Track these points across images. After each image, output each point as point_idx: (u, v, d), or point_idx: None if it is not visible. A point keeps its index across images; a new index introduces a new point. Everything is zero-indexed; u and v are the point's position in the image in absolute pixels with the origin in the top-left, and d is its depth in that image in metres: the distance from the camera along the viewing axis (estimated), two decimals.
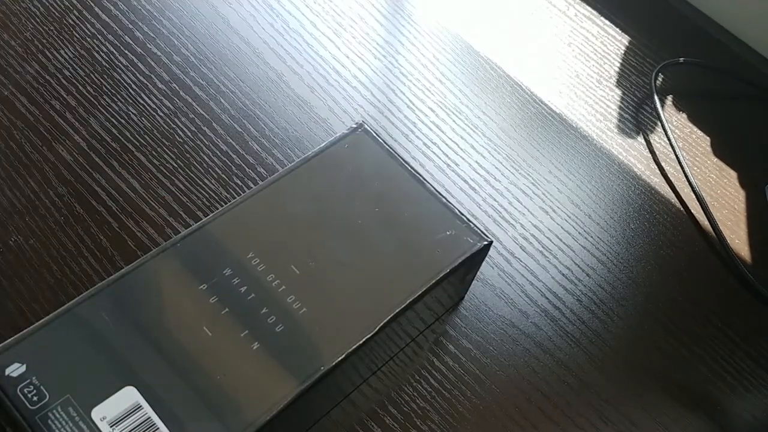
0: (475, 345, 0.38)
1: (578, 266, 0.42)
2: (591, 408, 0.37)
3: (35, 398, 0.24)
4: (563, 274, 0.41)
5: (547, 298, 0.40)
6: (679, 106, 0.51)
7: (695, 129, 0.50)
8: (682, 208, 0.46)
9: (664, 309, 0.41)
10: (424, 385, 0.36)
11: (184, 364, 0.26)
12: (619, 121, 0.49)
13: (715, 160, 0.49)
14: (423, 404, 0.35)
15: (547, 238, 0.42)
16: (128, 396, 0.25)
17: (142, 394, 0.25)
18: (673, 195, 0.46)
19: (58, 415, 0.24)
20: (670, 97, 0.52)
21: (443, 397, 0.35)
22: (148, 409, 0.25)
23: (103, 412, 0.24)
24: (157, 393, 0.25)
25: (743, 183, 0.48)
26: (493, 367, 0.37)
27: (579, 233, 0.43)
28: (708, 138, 0.50)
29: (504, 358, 0.37)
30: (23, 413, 0.24)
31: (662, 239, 0.44)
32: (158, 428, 0.24)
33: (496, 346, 0.38)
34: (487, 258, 0.41)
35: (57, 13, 0.46)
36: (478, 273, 0.40)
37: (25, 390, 0.24)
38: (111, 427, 0.24)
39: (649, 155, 0.48)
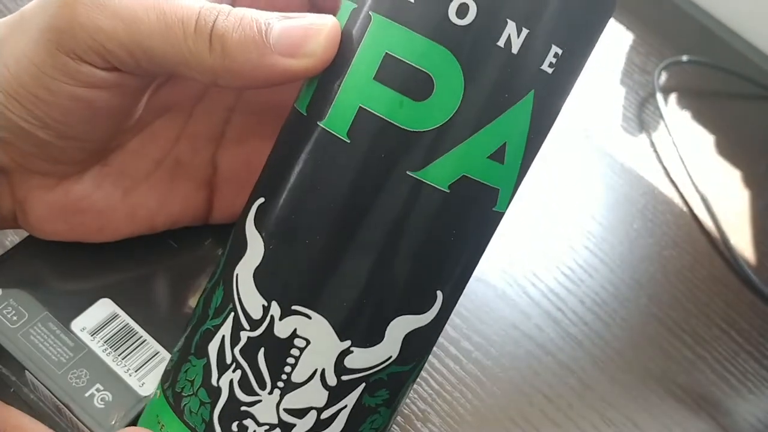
0: (476, 346, 0.37)
1: (580, 267, 0.41)
2: (593, 410, 0.36)
3: (15, 318, 0.25)
4: (565, 275, 0.41)
5: (549, 300, 0.40)
6: (682, 104, 0.51)
7: (698, 127, 0.50)
8: (685, 208, 0.45)
9: (667, 310, 0.41)
10: (425, 387, 0.35)
11: (153, 273, 0.27)
12: (622, 119, 0.49)
13: (719, 159, 0.48)
14: (423, 406, 0.35)
15: (549, 239, 0.42)
16: (105, 307, 0.26)
17: (117, 304, 0.26)
18: (676, 194, 0.46)
19: (39, 331, 0.25)
20: (673, 96, 0.51)
21: (444, 399, 0.35)
22: (125, 317, 0.26)
23: (82, 324, 0.25)
24: (131, 302, 0.26)
25: (747, 182, 0.48)
26: (494, 369, 0.37)
27: (581, 234, 0.43)
28: (711, 136, 0.50)
29: (505, 359, 0.37)
30: (5, 332, 0.25)
31: (665, 239, 0.44)
32: (137, 332, 0.26)
33: (498, 347, 0.37)
34: (488, 259, 0.40)
35: None
36: (479, 273, 0.40)
37: (5, 311, 0.25)
38: (92, 336, 0.25)
39: (652, 154, 0.48)
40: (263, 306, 0.20)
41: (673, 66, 0.52)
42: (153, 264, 0.28)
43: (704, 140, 0.49)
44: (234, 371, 0.20)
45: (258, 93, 0.27)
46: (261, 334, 0.20)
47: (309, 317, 0.20)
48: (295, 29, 0.20)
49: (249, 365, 0.20)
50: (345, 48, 0.20)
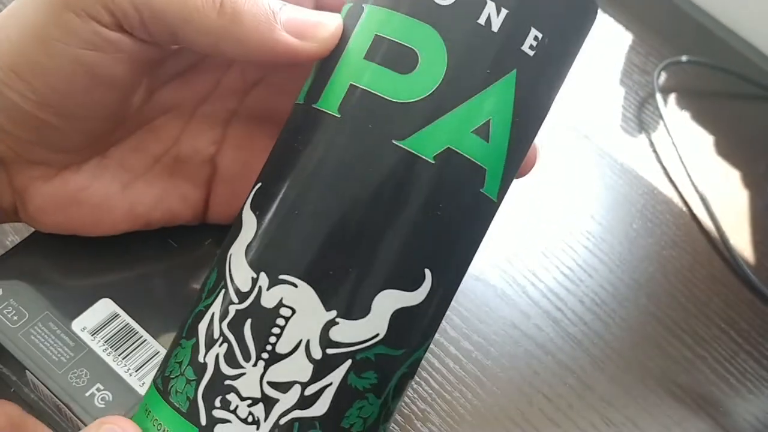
0: (476, 346, 0.37)
1: (580, 267, 0.41)
2: (593, 410, 0.36)
3: (15, 318, 0.25)
4: (565, 275, 0.41)
5: (548, 299, 0.40)
6: (681, 104, 0.51)
7: (698, 128, 0.50)
8: (684, 208, 0.45)
9: (667, 310, 0.41)
10: (425, 387, 0.35)
11: (153, 273, 0.27)
12: (622, 119, 0.49)
13: (718, 159, 0.49)
14: (423, 406, 0.35)
15: (549, 238, 0.42)
16: (105, 307, 0.26)
17: (117, 304, 0.26)
18: (675, 194, 0.46)
19: (40, 331, 0.25)
20: (672, 96, 0.51)
21: (444, 399, 0.35)
22: (125, 317, 0.26)
23: (82, 323, 0.25)
24: (132, 302, 0.26)
25: (747, 183, 0.48)
26: (494, 369, 0.37)
27: (580, 233, 0.43)
28: (711, 137, 0.50)
29: (505, 359, 0.37)
30: (5, 332, 0.25)
31: (665, 239, 0.44)
32: (137, 332, 0.26)
33: (498, 347, 0.37)
34: (487, 259, 0.41)
35: None
36: (479, 273, 0.40)
37: (5, 311, 0.25)
38: (92, 335, 0.25)
39: (652, 154, 0.48)
40: (252, 278, 0.21)
41: (672, 66, 0.53)
42: (153, 264, 0.28)
43: (704, 140, 0.49)
44: (220, 345, 0.20)
45: (261, 98, 0.27)
46: (248, 305, 0.20)
47: (295, 285, 0.20)
48: (306, 15, 0.21)
49: (235, 337, 0.20)
50: (342, 38, 0.22)
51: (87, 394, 0.24)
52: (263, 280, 0.20)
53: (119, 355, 0.25)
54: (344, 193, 0.20)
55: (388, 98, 0.20)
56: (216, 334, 0.21)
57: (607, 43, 0.53)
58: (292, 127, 0.22)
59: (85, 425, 0.24)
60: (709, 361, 0.39)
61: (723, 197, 0.47)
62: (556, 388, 0.37)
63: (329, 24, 0.21)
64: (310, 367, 0.20)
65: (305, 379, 0.20)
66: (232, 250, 0.21)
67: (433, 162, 0.20)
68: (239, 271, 0.21)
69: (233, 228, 0.22)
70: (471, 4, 0.20)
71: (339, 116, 0.21)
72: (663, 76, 0.52)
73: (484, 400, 0.36)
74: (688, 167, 0.45)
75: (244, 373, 0.20)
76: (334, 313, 0.20)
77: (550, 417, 0.36)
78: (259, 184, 0.22)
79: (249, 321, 0.20)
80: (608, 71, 0.51)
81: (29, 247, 0.27)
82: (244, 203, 0.22)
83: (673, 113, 0.50)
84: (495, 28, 0.20)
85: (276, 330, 0.20)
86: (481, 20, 0.20)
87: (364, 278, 0.20)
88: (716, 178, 0.48)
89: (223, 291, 0.21)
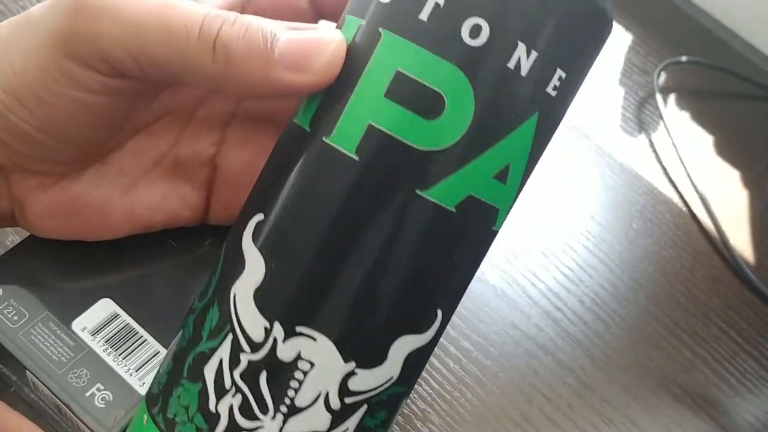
0: (476, 346, 0.37)
1: (580, 267, 0.41)
2: (593, 410, 0.36)
3: (15, 317, 0.25)
4: (565, 275, 0.41)
5: (548, 299, 0.40)
6: (681, 105, 0.51)
7: (698, 128, 0.50)
8: (684, 208, 0.45)
9: (667, 310, 0.41)
10: (425, 387, 0.35)
11: (153, 273, 0.27)
12: (621, 119, 0.49)
13: (718, 159, 0.49)
14: (423, 406, 0.35)
15: (549, 238, 0.42)
16: (105, 307, 0.26)
17: (118, 304, 0.26)
18: (675, 195, 0.46)
19: (40, 331, 0.25)
20: (672, 96, 0.51)
21: (444, 399, 0.35)
22: (125, 317, 0.26)
23: (83, 324, 0.25)
24: (132, 302, 0.26)
25: (746, 183, 0.48)
26: (494, 369, 0.37)
27: (580, 233, 0.43)
28: (710, 137, 0.50)
29: (505, 359, 0.37)
30: (6, 332, 0.25)
31: (664, 239, 0.44)
32: (137, 332, 0.26)
33: (498, 347, 0.37)
34: (488, 259, 0.41)
35: None
36: (479, 273, 0.40)
37: (5, 311, 0.25)
38: (92, 335, 0.25)
39: (652, 154, 0.48)
40: (265, 328, 0.20)
41: (672, 66, 0.53)
42: (153, 264, 0.28)
43: (703, 140, 0.49)
44: (234, 395, 0.20)
45: (259, 99, 0.27)
46: (263, 357, 0.20)
47: (314, 339, 0.20)
48: (301, 42, 0.20)
49: (250, 389, 0.20)
50: (352, 64, 0.20)
51: (87, 394, 0.24)
52: (278, 331, 0.20)
53: (119, 355, 0.25)
54: (364, 243, 0.19)
55: (412, 145, 0.19)
56: (227, 383, 0.20)
57: (607, 43, 0.53)
58: (296, 155, 0.20)
59: (86, 425, 0.24)
60: (709, 361, 0.39)
61: (723, 197, 0.47)
62: (555, 387, 0.37)
63: (324, 51, 0.20)
64: (328, 417, 0.20)
65: (324, 428, 0.20)
66: (235, 290, 0.20)
67: (454, 211, 0.20)
68: (249, 317, 0.20)
69: (230, 259, 0.21)
70: (502, 46, 0.19)
71: (357, 159, 0.19)
72: (663, 76, 0.52)
73: (484, 400, 0.36)
74: (688, 167, 0.45)
75: (261, 426, 0.20)
76: (353, 364, 0.20)
77: (549, 417, 0.36)
78: (260, 216, 0.21)
79: (265, 374, 0.20)
80: (608, 71, 0.51)
81: (29, 248, 0.27)
82: (240, 231, 0.21)
83: (672, 113, 0.50)
84: (524, 72, 0.19)
85: (294, 384, 0.20)
86: (511, 64, 0.19)
87: (383, 328, 0.20)
88: (716, 178, 0.48)
89: (230, 336, 0.20)
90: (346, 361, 0.20)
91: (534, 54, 0.19)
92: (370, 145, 0.19)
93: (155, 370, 0.25)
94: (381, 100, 0.19)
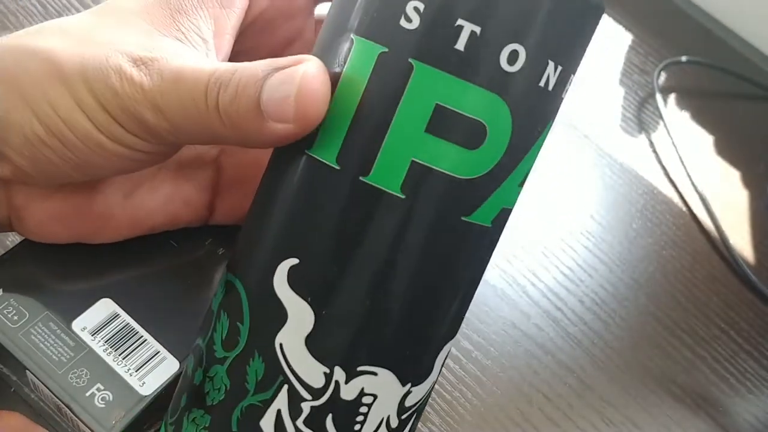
0: (476, 346, 0.37)
1: (580, 267, 0.41)
2: (593, 409, 0.36)
3: (15, 317, 0.25)
4: (565, 275, 0.41)
5: (548, 299, 0.40)
6: (681, 104, 0.51)
7: (698, 128, 0.50)
8: (684, 208, 0.45)
9: (667, 310, 0.41)
10: None
11: (153, 274, 0.27)
12: (622, 119, 0.49)
13: (718, 159, 0.49)
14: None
15: (549, 238, 0.42)
16: (105, 307, 0.26)
17: (118, 304, 0.26)
18: (675, 194, 0.46)
19: (40, 331, 0.25)
20: (672, 96, 0.51)
21: (444, 399, 0.35)
22: (125, 317, 0.26)
23: (83, 324, 0.25)
24: (132, 302, 0.26)
25: (746, 182, 0.48)
26: (494, 369, 0.37)
27: (580, 233, 0.43)
28: (710, 137, 0.50)
29: (505, 359, 0.37)
30: (6, 332, 0.25)
31: (664, 239, 0.44)
32: (137, 332, 0.26)
33: (497, 347, 0.37)
34: None
35: (54, 12, 0.46)
36: None
37: (5, 311, 0.25)
38: (92, 335, 0.25)
39: (652, 154, 0.48)
40: (325, 373, 0.20)
41: (672, 66, 0.53)
42: (153, 264, 0.28)
43: (703, 140, 0.49)
44: None
45: None
46: (326, 401, 0.20)
47: (375, 374, 0.20)
48: (277, 92, 0.19)
49: None
50: (381, 97, 0.19)
51: (87, 394, 0.24)
52: (339, 374, 0.20)
53: (119, 355, 0.25)
54: (415, 278, 0.20)
55: (456, 176, 0.19)
56: None
57: (607, 43, 0.53)
58: (329, 195, 0.20)
59: (86, 425, 0.24)
60: (709, 361, 0.39)
61: (723, 197, 0.47)
62: (555, 387, 0.37)
63: (288, 98, 0.19)
64: None
65: None
66: (281, 340, 0.20)
67: (491, 226, 0.21)
68: (305, 366, 0.20)
69: (264, 307, 0.20)
70: (537, 68, 0.19)
71: (403, 197, 0.19)
72: (663, 76, 0.52)
73: (484, 400, 0.36)
74: (688, 167, 0.45)
75: None
76: (409, 385, 0.21)
77: (549, 417, 0.36)
78: (294, 260, 0.20)
79: (330, 416, 0.20)
80: (608, 71, 0.51)
81: (30, 248, 0.27)
82: (270, 277, 0.20)
83: (672, 113, 0.50)
84: (551, 87, 0.20)
85: (360, 418, 0.20)
86: (542, 82, 0.19)
87: (433, 346, 0.21)
88: (716, 178, 0.48)
89: (285, 386, 0.20)
90: (403, 384, 0.21)
91: (559, 69, 0.20)
92: (415, 181, 0.19)
93: (155, 370, 0.25)
94: (422, 136, 0.19)
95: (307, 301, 0.20)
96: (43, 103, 0.21)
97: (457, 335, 0.37)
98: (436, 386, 0.35)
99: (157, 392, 0.25)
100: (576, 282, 0.41)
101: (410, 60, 0.19)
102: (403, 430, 0.22)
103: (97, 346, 0.25)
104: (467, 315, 0.38)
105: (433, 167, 0.19)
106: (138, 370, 0.25)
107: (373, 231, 0.19)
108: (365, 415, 0.20)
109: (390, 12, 0.19)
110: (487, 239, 0.21)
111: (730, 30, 0.57)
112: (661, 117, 0.48)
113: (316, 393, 0.20)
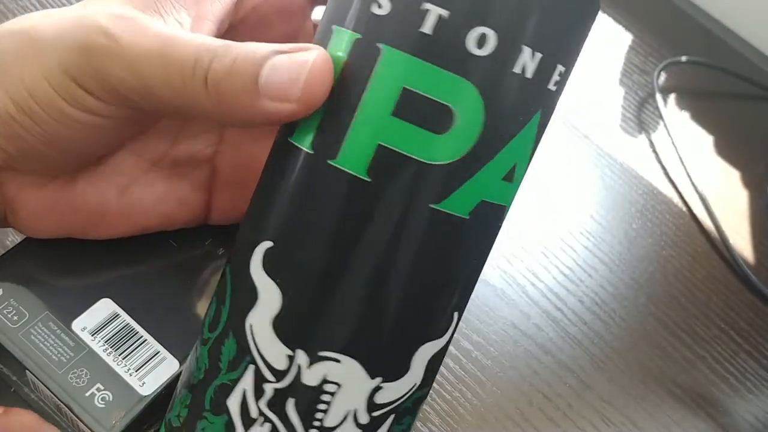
0: (476, 346, 0.37)
1: (580, 267, 0.41)
2: (593, 409, 0.36)
3: (15, 317, 0.25)
4: (565, 275, 0.41)
5: (548, 299, 0.40)
6: (681, 105, 0.51)
7: (698, 128, 0.50)
8: (684, 208, 0.45)
9: (666, 310, 0.41)
10: None
11: (153, 273, 0.27)
12: (621, 119, 0.49)
13: (718, 159, 0.49)
14: (423, 406, 0.35)
15: (549, 238, 0.42)
16: (105, 307, 0.26)
17: (118, 304, 0.26)
18: (675, 194, 0.46)
19: (40, 331, 0.25)
20: (672, 96, 0.51)
21: (444, 399, 0.35)
22: (125, 317, 0.26)
23: (83, 324, 0.25)
24: (132, 302, 0.26)
25: (746, 182, 0.48)
26: (493, 369, 0.37)
27: (580, 233, 0.43)
28: (710, 137, 0.50)
29: (505, 359, 0.37)
30: (6, 332, 0.25)
31: (664, 239, 0.44)
32: (137, 332, 0.26)
33: (497, 347, 0.37)
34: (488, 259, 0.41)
35: None
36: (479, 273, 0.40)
37: (5, 311, 0.25)
38: (92, 335, 0.25)
39: (652, 154, 0.48)
40: (288, 356, 0.20)
41: (672, 66, 0.53)
42: (153, 264, 0.28)
43: (703, 140, 0.49)
44: (262, 425, 0.20)
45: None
46: (289, 384, 0.20)
47: (338, 361, 0.20)
48: (280, 70, 0.19)
49: (278, 417, 0.20)
50: (351, 82, 0.19)
51: (87, 394, 0.24)
52: (302, 357, 0.20)
53: (119, 355, 0.25)
54: (381, 263, 0.19)
55: (423, 161, 0.19)
56: (254, 413, 0.20)
57: (607, 43, 0.53)
58: (301, 179, 0.20)
59: (86, 425, 0.24)
60: (709, 361, 0.39)
61: (723, 197, 0.47)
62: (555, 387, 0.37)
63: (299, 77, 0.19)
64: None
65: None
66: (251, 321, 0.20)
67: (468, 218, 0.20)
68: (270, 347, 0.20)
69: (239, 288, 0.21)
70: (509, 52, 0.19)
71: (369, 181, 0.19)
72: (663, 77, 0.52)
73: (484, 400, 0.36)
74: (688, 167, 0.45)
75: None
76: (378, 380, 0.20)
77: (549, 417, 0.36)
78: (268, 243, 0.20)
79: (292, 400, 0.20)
80: (608, 71, 0.51)
81: (29, 247, 0.27)
82: (247, 259, 0.20)
83: (672, 113, 0.50)
84: (529, 74, 0.19)
85: (322, 406, 0.20)
86: (517, 68, 0.19)
87: (405, 341, 0.20)
88: (716, 178, 0.48)
89: (251, 367, 0.20)
90: (372, 377, 0.20)
91: (539, 55, 0.19)
92: (381, 165, 0.19)
93: (155, 370, 0.25)
94: (389, 119, 0.19)
95: (276, 282, 0.20)
96: (15, 79, 0.21)
97: (457, 335, 0.37)
98: (436, 386, 0.35)
99: (157, 392, 0.25)
100: (576, 282, 0.41)
101: (378, 44, 0.19)
102: (378, 428, 0.21)
103: (97, 346, 0.25)
104: (466, 315, 0.38)
105: (400, 151, 0.19)
106: (138, 370, 0.25)
107: (339, 214, 0.19)
108: (328, 404, 0.20)
109: (364, 0, 0.19)
110: (465, 232, 0.20)
111: (730, 30, 0.57)
112: (661, 117, 0.48)
113: (279, 375, 0.20)
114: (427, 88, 0.19)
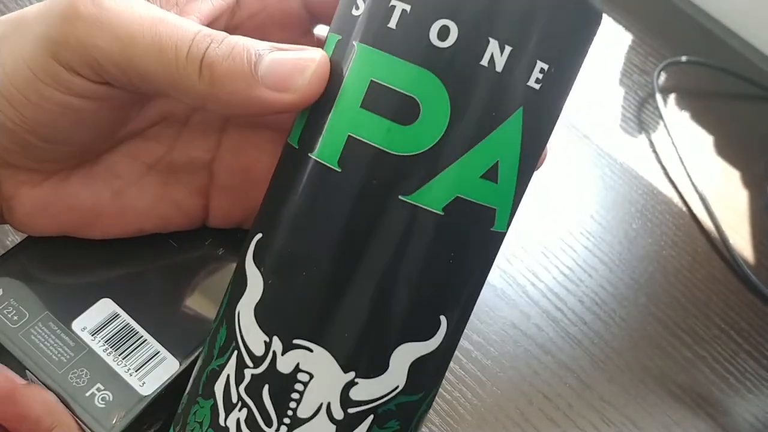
0: (476, 346, 0.37)
1: (580, 267, 0.41)
2: (593, 409, 0.36)
3: (15, 317, 0.25)
4: (565, 275, 0.41)
5: (548, 299, 0.40)
6: (681, 104, 0.51)
7: (698, 128, 0.50)
8: (684, 208, 0.45)
9: (666, 310, 0.41)
10: None
11: (153, 273, 0.27)
12: (621, 119, 0.49)
13: (718, 159, 0.49)
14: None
15: (549, 238, 0.42)
16: (105, 307, 0.26)
17: (118, 304, 0.26)
18: (675, 194, 0.46)
19: (40, 331, 0.25)
20: (672, 96, 0.51)
21: (444, 399, 0.35)
22: (125, 317, 0.26)
23: (83, 324, 0.25)
24: (131, 302, 0.26)
25: (746, 182, 0.48)
26: (493, 369, 0.37)
27: (580, 233, 0.43)
28: (710, 137, 0.50)
29: (505, 359, 0.37)
30: (5, 332, 0.25)
31: (664, 239, 0.44)
32: (137, 332, 0.26)
33: (497, 347, 0.37)
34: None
35: None
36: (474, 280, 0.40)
37: (5, 311, 0.25)
38: (92, 335, 0.25)
39: (652, 154, 0.48)
40: (265, 342, 0.20)
41: (672, 66, 0.53)
42: (153, 264, 0.28)
43: (703, 140, 0.49)
44: (240, 410, 0.20)
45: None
46: (264, 370, 0.20)
47: (311, 350, 0.20)
48: (283, 63, 0.20)
49: (254, 403, 0.20)
50: (332, 80, 0.20)
51: (87, 394, 0.24)
52: (277, 344, 0.20)
53: (119, 355, 0.25)
54: (352, 253, 0.20)
55: (390, 152, 0.19)
56: (234, 398, 0.20)
57: (607, 43, 0.53)
58: (287, 173, 0.21)
59: (86, 425, 0.24)
60: (709, 361, 0.39)
61: (723, 197, 0.47)
62: (555, 387, 0.37)
63: (305, 70, 0.20)
64: (333, 427, 0.20)
65: None
66: (240, 307, 0.21)
67: (442, 214, 0.20)
68: (251, 333, 0.20)
69: (237, 279, 0.21)
70: (473, 45, 0.19)
71: (340, 171, 0.20)
72: (663, 77, 0.52)
73: (484, 400, 0.36)
74: (688, 167, 0.45)
75: None
76: (352, 374, 0.20)
77: (549, 417, 0.36)
78: (260, 235, 0.21)
79: (267, 387, 0.20)
80: (608, 71, 0.51)
81: (29, 247, 0.27)
82: (245, 252, 0.21)
83: (672, 113, 0.50)
84: (499, 67, 0.19)
85: (295, 395, 0.20)
86: (484, 61, 0.19)
87: (380, 337, 0.20)
88: (716, 178, 0.48)
89: (236, 353, 0.21)
90: (345, 371, 0.20)
91: (508, 49, 0.19)
92: (351, 156, 0.19)
93: (155, 370, 0.25)
94: (358, 111, 0.19)
95: (260, 271, 0.21)
96: None
97: None
98: None
99: (157, 392, 0.25)
100: (576, 282, 0.41)
101: (353, 42, 0.20)
102: (354, 428, 0.20)
103: (97, 346, 0.25)
104: None
105: (367, 141, 0.19)
106: (138, 370, 0.25)
107: (314, 204, 0.20)
108: (301, 393, 0.20)
109: (347, 4, 0.21)
110: (439, 229, 0.20)
111: (730, 30, 0.57)
112: (661, 117, 0.48)
113: (256, 361, 0.20)
114: (393, 80, 0.19)
